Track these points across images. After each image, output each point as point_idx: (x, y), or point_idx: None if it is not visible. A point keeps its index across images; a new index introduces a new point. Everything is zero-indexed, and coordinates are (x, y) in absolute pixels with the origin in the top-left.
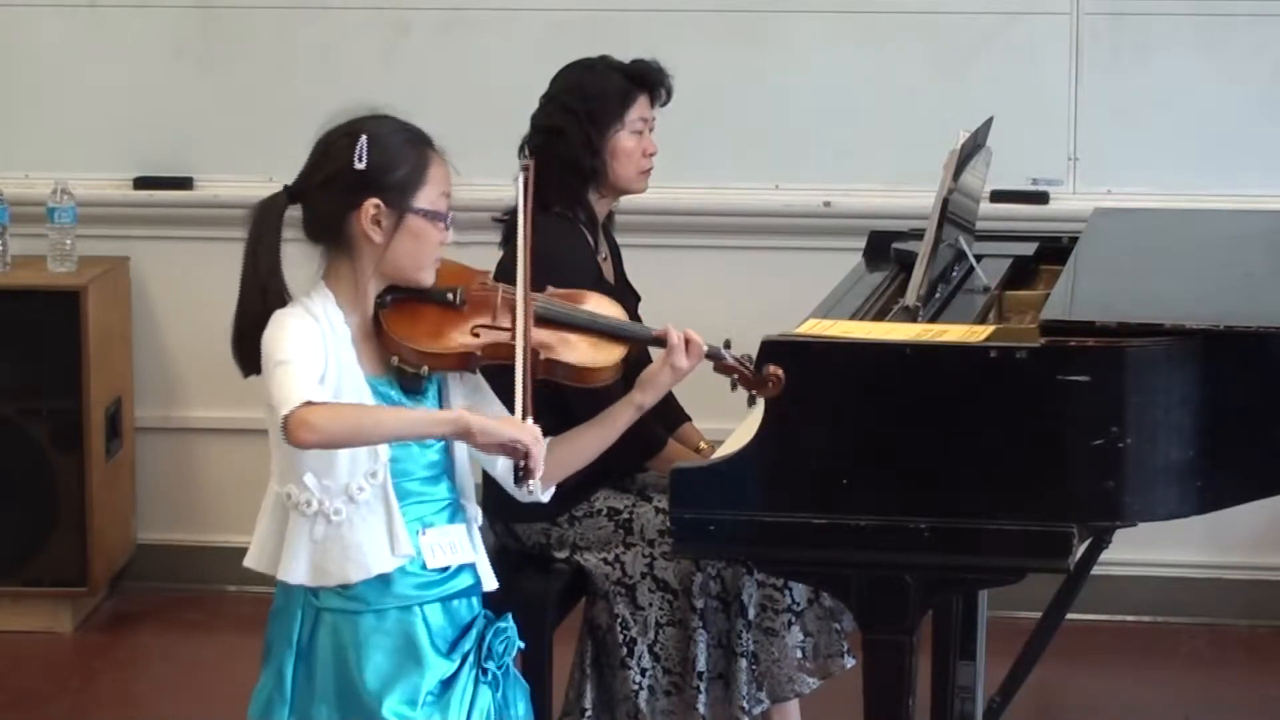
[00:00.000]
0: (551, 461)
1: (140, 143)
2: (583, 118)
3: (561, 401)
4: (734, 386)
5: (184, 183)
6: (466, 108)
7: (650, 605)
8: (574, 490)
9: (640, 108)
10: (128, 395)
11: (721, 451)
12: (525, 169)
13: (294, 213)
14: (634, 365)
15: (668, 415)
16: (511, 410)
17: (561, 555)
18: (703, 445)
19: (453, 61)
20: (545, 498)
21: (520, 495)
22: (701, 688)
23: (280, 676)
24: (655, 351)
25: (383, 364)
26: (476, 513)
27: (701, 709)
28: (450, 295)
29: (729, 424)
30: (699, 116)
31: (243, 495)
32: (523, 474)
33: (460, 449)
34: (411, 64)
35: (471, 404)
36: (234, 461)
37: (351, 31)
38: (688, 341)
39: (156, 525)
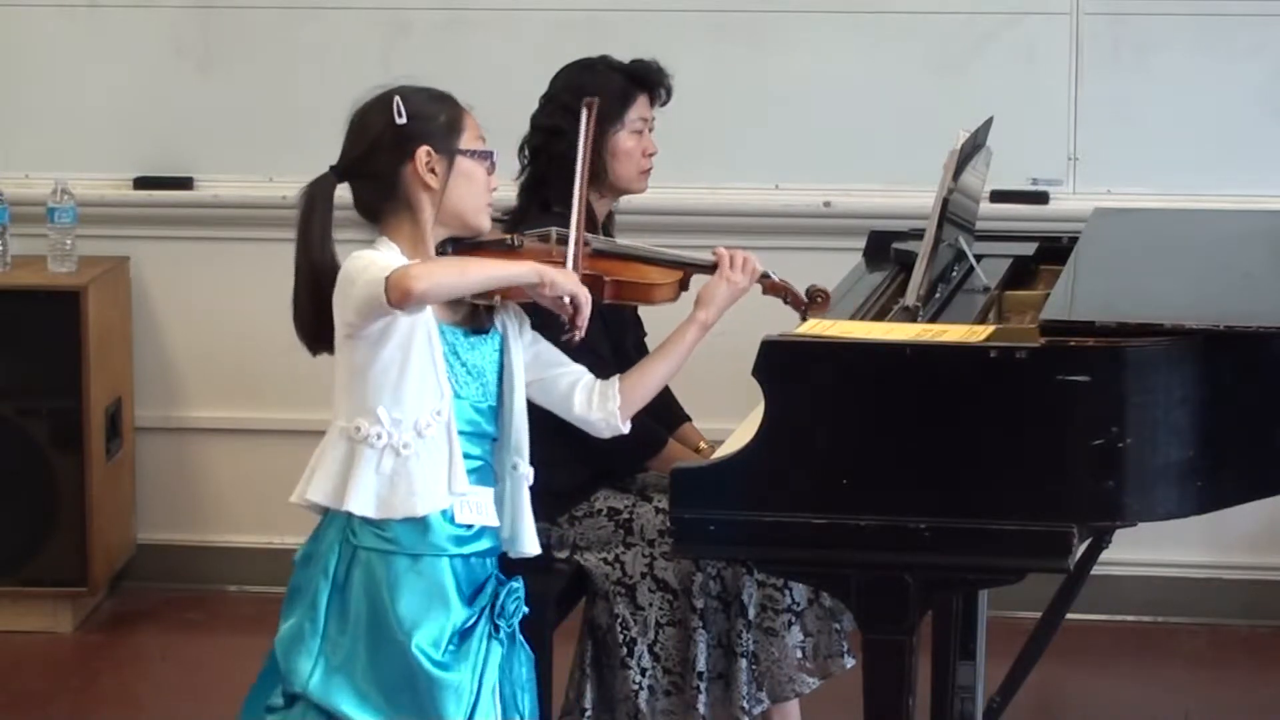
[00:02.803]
0: (627, 391)
1: (140, 143)
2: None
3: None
4: (785, 302)
5: (184, 183)
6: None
7: (650, 605)
8: (574, 490)
9: (640, 108)
10: (128, 395)
11: (721, 451)
12: (589, 105)
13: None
14: None
15: (668, 415)
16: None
17: (561, 555)
18: (703, 445)
19: (453, 61)
20: (625, 427)
21: (600, 430)
22: (701, 688)
23: (315, 607)
24: None
25: (449, 312)
26: (529, 472)
27: (702, 709)
28: (510, 240)
29: (729, 424)
30: (699, 116)
31: (243, 495)
32: (569, 326)
33: (518, 409)
34: (411, 64)
35: (533, 351)
36: (234, 461)
37: (351, 31)
38: (734, 257)
39: (156, 525)
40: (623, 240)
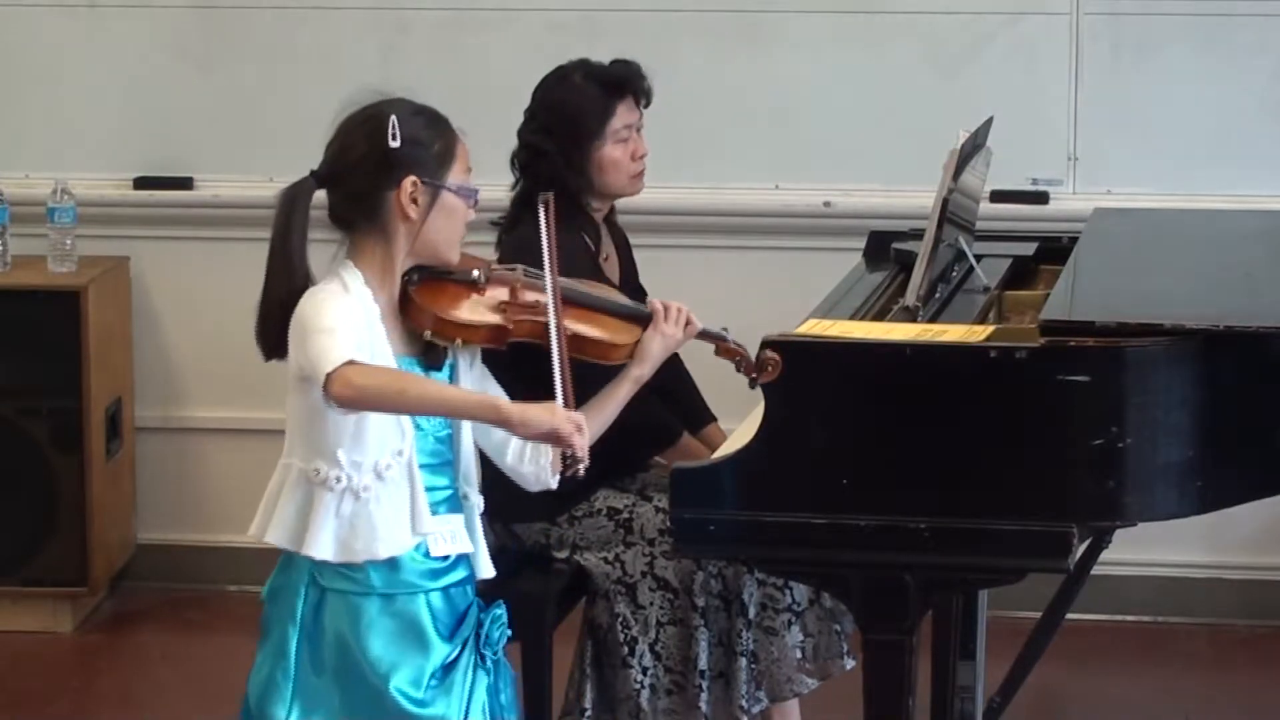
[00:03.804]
0: None
1: (140, 143)
2: (562, 138)
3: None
4: (737, 369)
5: (184, 183)
6: (466, 108)
7: (651, 604)
8: (574, 490)
9: (622, 116)
10: (128, 395)
11: (721, 451)
12: (545, 203)
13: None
14: None
15: (693, 414)
16: (541, 398)
17: (561, 555)
18: None
19: (453, 61)
20: (554, 483)
21: (529, 483)
22: (703, 686)
23: (283, 654)
24: None
25: (407, 342)
26: (479, 501)
27: (703, 707)
28: (475, 273)
29: (729, 424)
30: (699, 116)
31: (243, 495)
32: (570, 462)
33: (466, 439)
34: (411, 64)
35: (480, 388)
36: (234, 461)
37: (351, 31)
38: (669, 308)
39: (156, 525)
40: (580, 287)
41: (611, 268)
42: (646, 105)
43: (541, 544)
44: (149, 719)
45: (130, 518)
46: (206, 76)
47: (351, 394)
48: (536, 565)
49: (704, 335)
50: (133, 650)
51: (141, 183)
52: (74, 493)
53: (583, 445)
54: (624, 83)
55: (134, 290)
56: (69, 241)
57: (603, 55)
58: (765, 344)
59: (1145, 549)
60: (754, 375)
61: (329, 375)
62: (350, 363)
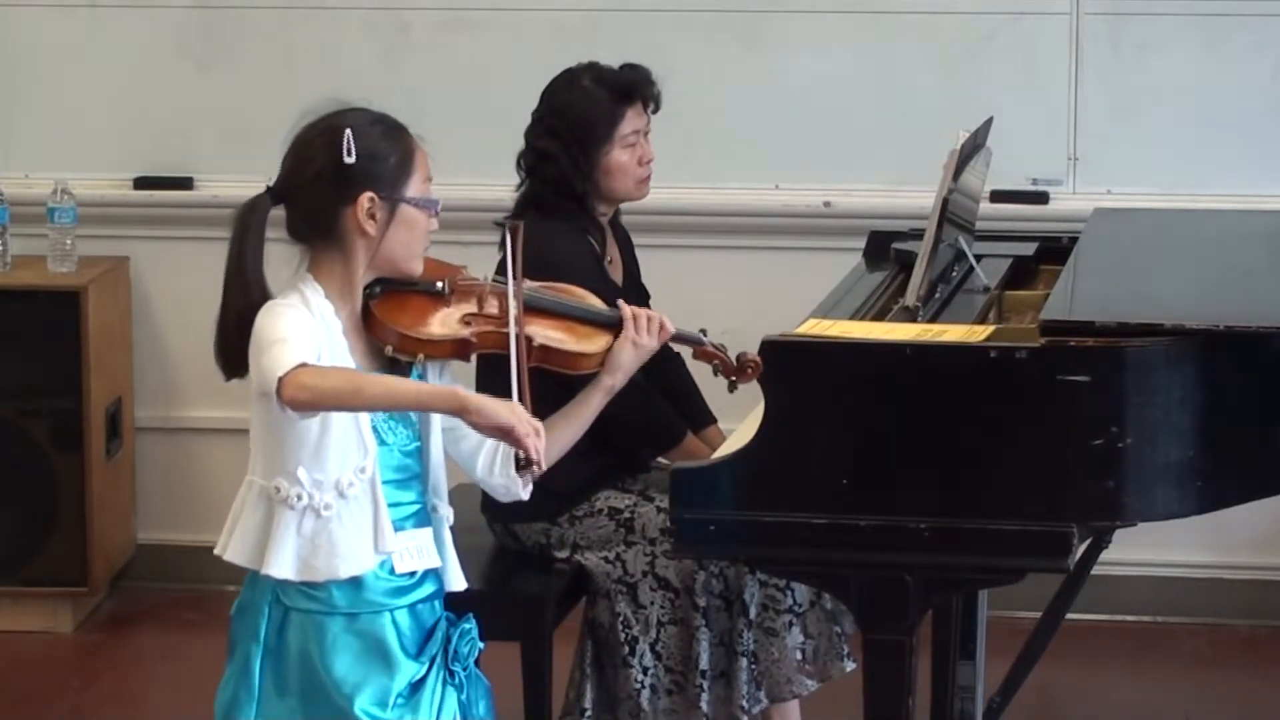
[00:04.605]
0: None
1: (140, 143)
2: (570, 143)
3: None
4: (715, 373)
5: (184, 183)
6: (466, 108)
7: (652, 604)
8: (574, 491)
9: (630, 121)
10: (128, 395)
11: (721, 451)
12: (513, 230)
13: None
14: None
15: (694, 415)
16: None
17: (561, 555)
18: None
19: (453, 61)
20: (525, 494)
21: (499, 494)
22: (704, 686)
23: (247, 673)
24: None
25: (371, 356)
26: (449, 513)
27: (704, 707)
28: (439, 285)
29: (729, 424)
30: (699, 116)
31: None
32: (525, 463)
33: (435, 451)
34: (411, 64)
35: None
36: (234, 461)
37: (351, 31)
38: (639, 315)
39: (156, 525)
40: (546, 288)
41: (616, 270)
42: (655, 111)
43: (542, 544)
44: (149, 719)
45: (130, 518)
46: (206, 76)
47: (306, 396)
48: (536, 565)
49: (680, 339)
50: (133, 650)
51: (141, 183)
52: (74, 493)
53: (538, 448)
54: (633, 88)
55: (134, 290)
56: (69, 241)
57: (602, 55)
58: (765, 344)
59: (1145, 549)
60: (733, 378)
61: (281, 379)
62: (301, 365)
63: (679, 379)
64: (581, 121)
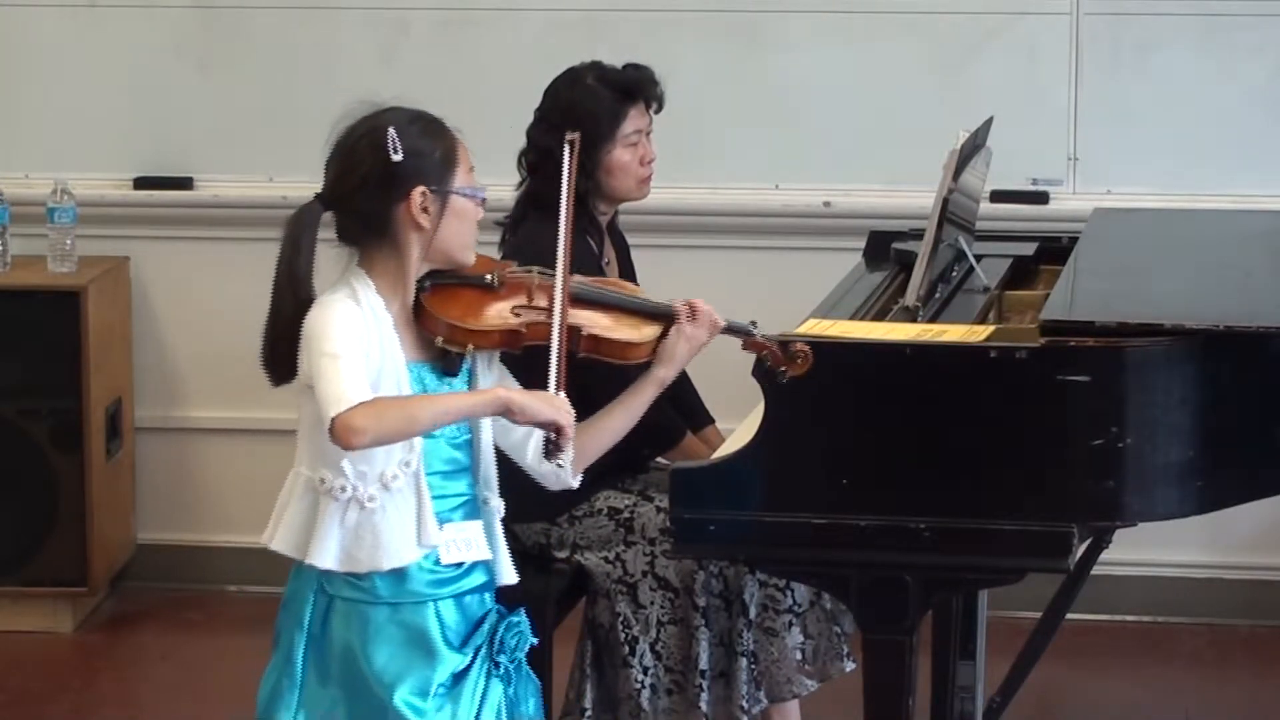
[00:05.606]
0: (579, 446)
1: (140, 143)
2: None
3: (584, 387)
4: (764, 364)
5: (184, 183)
6: (466, 108)
7: (652, 604)
8: (574, 491)
9: (633, 120)
10: (128, 395)
11: (721, 451)
12: (570, 142)
13: None
14: None
15: (692, 416)
16: (545, 386)
17: (562, 555)
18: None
19: (453, 61)
20: (575, 482)
21: (550, 482)
22: (704, 686)
23: (290, 660)
24: None
25: (421, 349)
26: (500, 505)
27: (704, 707)
28: (488, 278)
29: (729, 424)
30: (699, 116)
31: (243, 495)
32: (553, 449)
33: (485, 443)
34: (411, 64)
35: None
36: (234, 461)
37: (351, 31)
38: (694, 309)
39: (156, 525)
40: (596, 282)
41: (612, 272)
42: (658, 110)
43: (542, 544)
44: (149, 719)
45: (130, 518)
46: (206, 76)
47: (361, 440)
48: (536, 565)
49: (730, 330)
50: (133, 650)
51: (141, 183)
52: (74, 493)
53: (569, 434)
54: (637, 87)
55: (134, 290)
56: (69, 241)
57: (602, 55)
58: None
59: (1145, 549)
60: (784, 368)
61: (334, 421)
62: (357, 406)
63: (677, 379)
64: (584, 119)
